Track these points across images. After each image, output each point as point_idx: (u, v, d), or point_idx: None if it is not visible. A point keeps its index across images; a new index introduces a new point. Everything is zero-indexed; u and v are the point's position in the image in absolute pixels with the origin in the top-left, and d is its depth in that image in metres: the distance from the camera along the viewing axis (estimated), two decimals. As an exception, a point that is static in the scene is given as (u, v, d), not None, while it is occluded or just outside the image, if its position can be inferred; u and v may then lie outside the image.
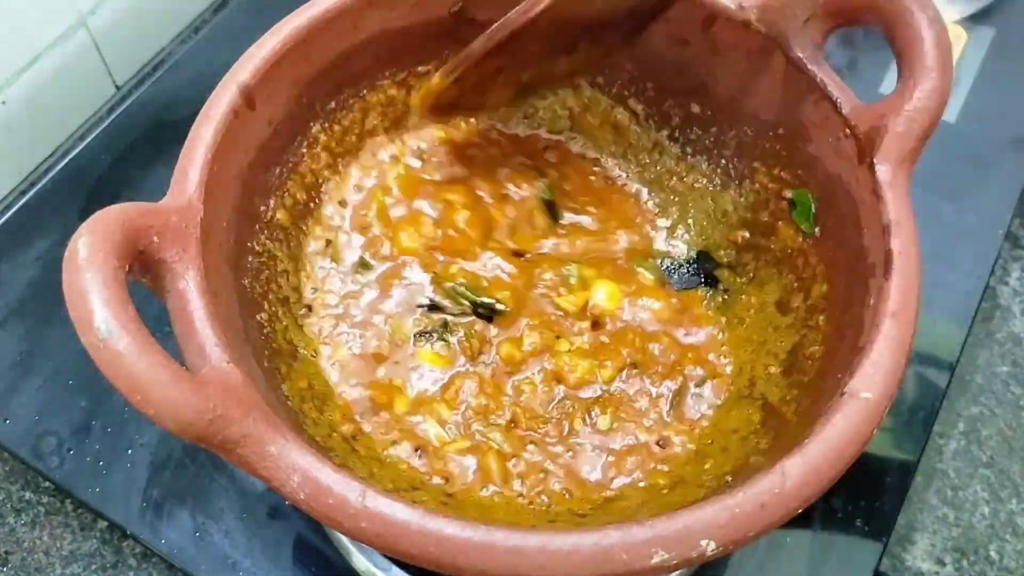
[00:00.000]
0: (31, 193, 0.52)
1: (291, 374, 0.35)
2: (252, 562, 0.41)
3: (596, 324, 0.40)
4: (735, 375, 0.39)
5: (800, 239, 0.37)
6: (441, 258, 0.41)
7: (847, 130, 0.33)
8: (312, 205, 0.40)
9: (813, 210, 0.37)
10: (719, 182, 0.42)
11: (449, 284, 0.40)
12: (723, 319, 0.40)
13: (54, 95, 0.55)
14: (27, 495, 0.46)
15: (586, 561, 0.24)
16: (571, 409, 0.38)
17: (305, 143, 0.39)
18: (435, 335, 0.39)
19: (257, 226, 0.36)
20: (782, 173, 0.38)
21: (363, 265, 0.41)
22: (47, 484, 0.46)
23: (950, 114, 0.56)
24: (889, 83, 0.57)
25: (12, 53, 0.51)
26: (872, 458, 0.44)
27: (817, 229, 0.37)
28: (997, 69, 0.58)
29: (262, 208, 0.36)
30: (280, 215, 0.38)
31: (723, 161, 0.41)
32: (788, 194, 0.38)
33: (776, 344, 0.37)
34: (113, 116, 0.56)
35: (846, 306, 0.32)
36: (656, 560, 0.24)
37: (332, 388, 0.37)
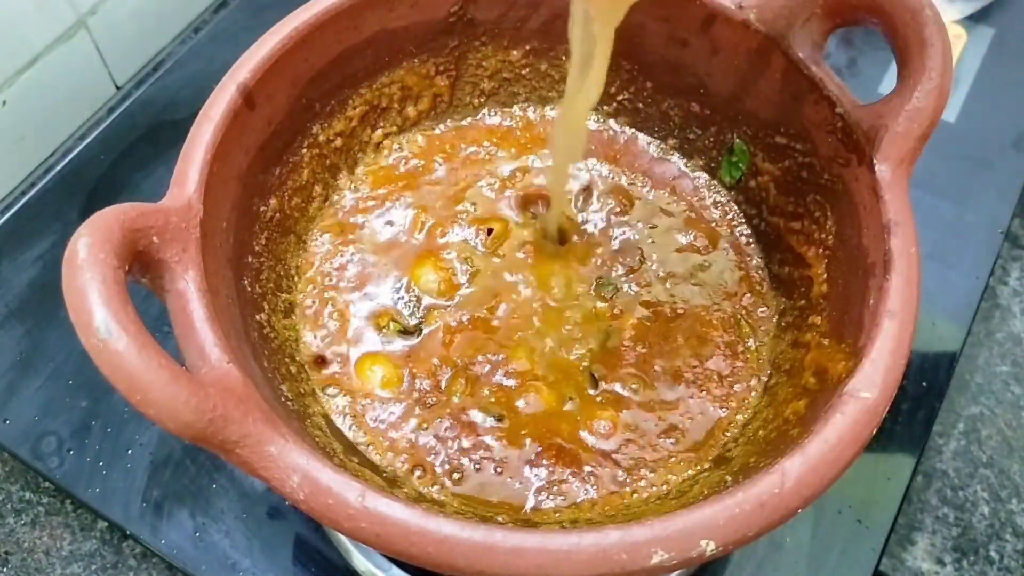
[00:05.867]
0: (31, 193, 0.52)
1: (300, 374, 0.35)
2: (252, 562, 0.41)
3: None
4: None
5: (806, 246, 0.37)
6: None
7: (846, 130, 0.33)
8: (311, 206, 0.40)
9: (743, 166, 0.37)
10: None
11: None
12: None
13: (54, 95, 0.55)
14: (27, 495, 0.46)
15: (586, 561, 0.24)
16: None
17: (305, 143, 0.39)
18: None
19: (257, 226, 0.36)
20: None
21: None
22: (47, 484, 0.46)
23: (950, 114, 0.56)
24: (889, 83, 0.57)
25: (12, 53, 0.51)
26: (872, 457, 0.44)
27: (738, 180, 0.37)
28: (997, 69, 0.58)
29: (262, 208, 0.36)
30: (280, 215, 0.38)
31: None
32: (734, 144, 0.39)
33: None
34: (113, 116, 0.56)
35: (846, 306, 0.32)
36: (656, 560, 0.24)
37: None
